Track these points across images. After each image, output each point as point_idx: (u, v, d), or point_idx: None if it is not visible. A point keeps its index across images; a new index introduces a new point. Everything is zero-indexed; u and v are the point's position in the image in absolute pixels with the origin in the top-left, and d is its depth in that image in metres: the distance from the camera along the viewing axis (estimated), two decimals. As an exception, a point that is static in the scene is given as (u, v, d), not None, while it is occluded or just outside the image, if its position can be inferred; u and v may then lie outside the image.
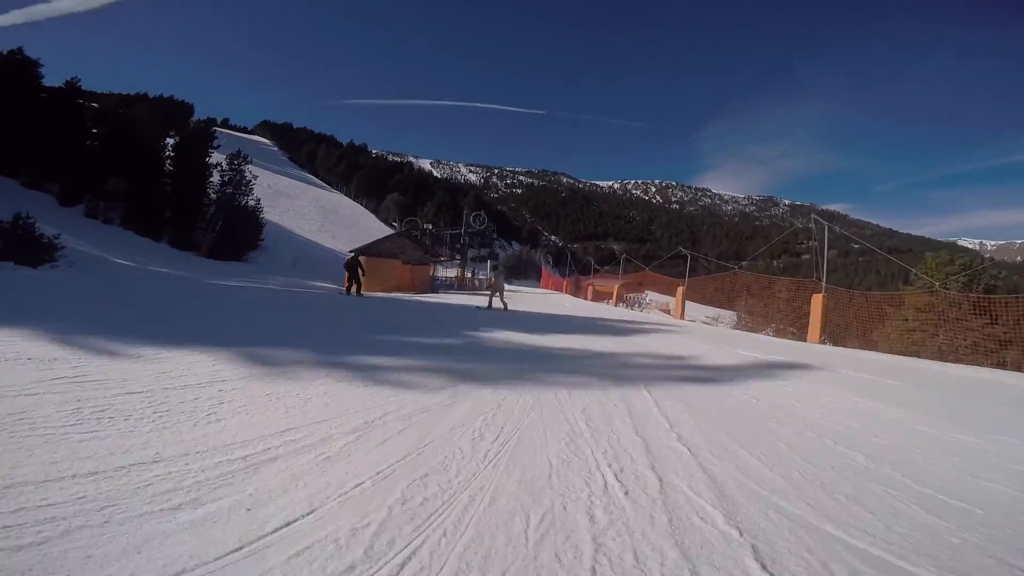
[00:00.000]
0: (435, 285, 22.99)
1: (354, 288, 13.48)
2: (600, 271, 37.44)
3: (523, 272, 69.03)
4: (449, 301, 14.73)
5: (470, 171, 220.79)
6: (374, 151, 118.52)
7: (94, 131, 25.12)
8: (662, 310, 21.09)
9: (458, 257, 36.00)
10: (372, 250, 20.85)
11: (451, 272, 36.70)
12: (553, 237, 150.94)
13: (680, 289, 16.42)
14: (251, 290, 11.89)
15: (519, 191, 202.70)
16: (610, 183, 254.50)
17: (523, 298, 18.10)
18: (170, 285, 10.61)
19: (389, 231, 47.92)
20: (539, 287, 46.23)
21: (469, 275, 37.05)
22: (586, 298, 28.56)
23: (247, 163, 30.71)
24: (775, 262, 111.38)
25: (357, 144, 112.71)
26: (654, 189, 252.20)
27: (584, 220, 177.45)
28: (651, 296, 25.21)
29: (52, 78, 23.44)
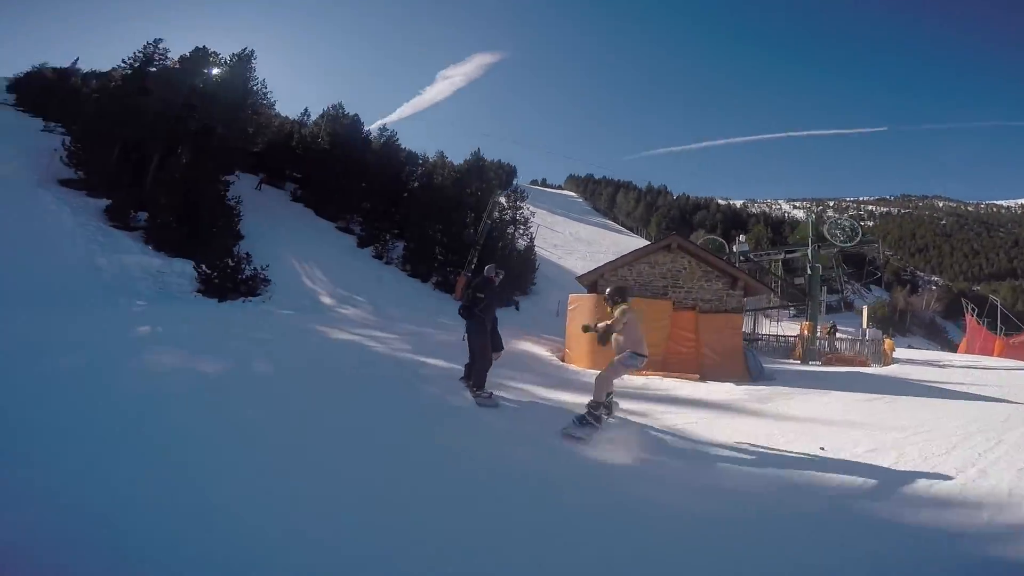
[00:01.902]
0: (754, 360, 9.87)
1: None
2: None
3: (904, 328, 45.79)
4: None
5: (793, 206, 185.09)
6: (675, 193, 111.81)
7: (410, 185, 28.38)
8: None
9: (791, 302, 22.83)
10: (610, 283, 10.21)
11: (787, 327, 22.58)
12: (935, 278, 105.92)
13: None
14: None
15: (869, 222, 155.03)
16: (1020, 201, 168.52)
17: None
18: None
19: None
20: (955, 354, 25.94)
21: (822, 331, 18.84)
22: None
23: (523, 199, 29.52)
24: None
25: (655, 186, 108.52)
26: None
27: (987, 252, 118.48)
28: None
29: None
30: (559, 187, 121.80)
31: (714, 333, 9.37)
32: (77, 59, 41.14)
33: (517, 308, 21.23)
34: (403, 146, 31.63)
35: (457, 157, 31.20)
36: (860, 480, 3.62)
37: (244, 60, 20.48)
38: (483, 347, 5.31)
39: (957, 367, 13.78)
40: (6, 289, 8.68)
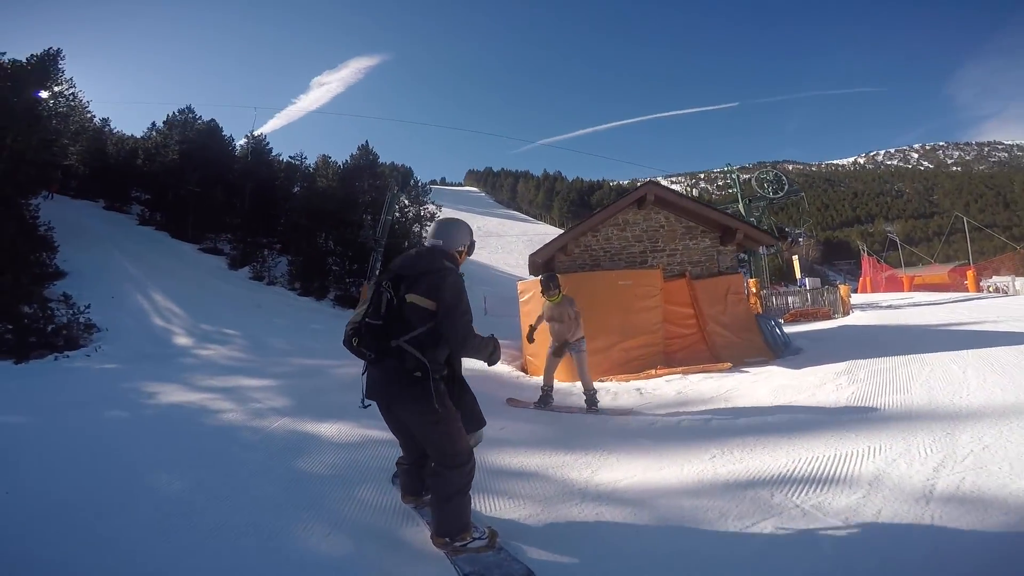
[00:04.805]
0: (771, 329, 7.57)
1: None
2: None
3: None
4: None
5: (671, 182, 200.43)
6: (569, 178, 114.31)
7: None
8: None
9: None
10: (573, 256, 7.79)
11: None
12: (798, 230, 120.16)
13: None
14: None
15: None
16: (851, 159, 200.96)
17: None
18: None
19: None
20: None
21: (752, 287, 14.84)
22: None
23: (424, 195, 26.67)
24: None
25: (551, 173, 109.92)
26: (916, 156, 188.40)
27: (834, 205, 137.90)
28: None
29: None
30: (460, 184, 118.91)
31: (716, 303, 7.12)
32: None
33: None
34: (277, 155, 26.64)
35: (343, 160, 26.98)
36: None
37: (46, 60, 15.13)
38: (461, 442, 2.21)
39: (917, 305, 13.88)
40: None
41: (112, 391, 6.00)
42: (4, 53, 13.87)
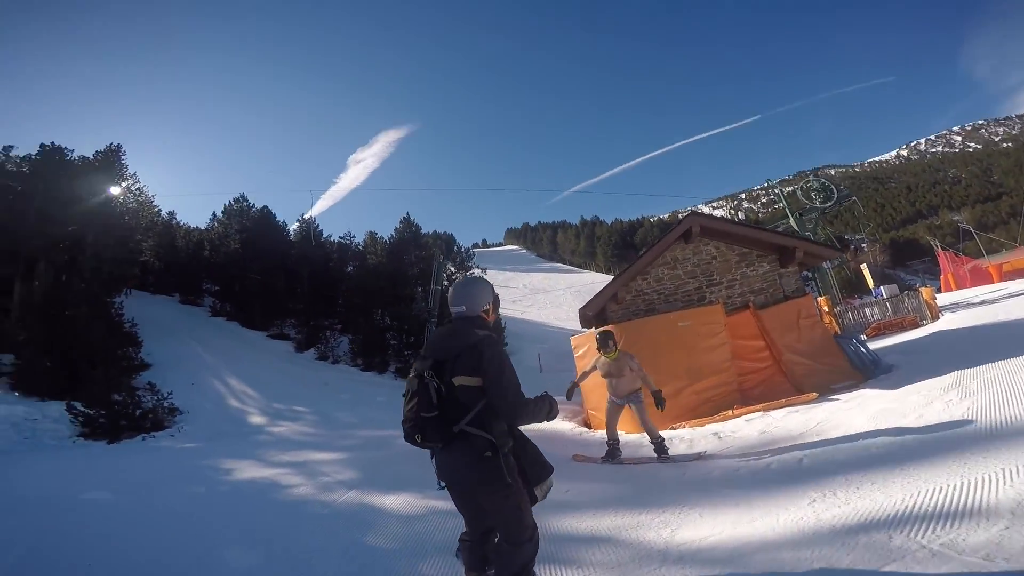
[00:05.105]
0: (856, 348, 6.89)
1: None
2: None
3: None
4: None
5: (714, 208, 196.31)
6: (608, 221, 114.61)
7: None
8: None
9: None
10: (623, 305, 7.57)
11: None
12: (858, 236, 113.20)
13: None
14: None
15: (782, 203, 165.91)
16: (894, 152, 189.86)
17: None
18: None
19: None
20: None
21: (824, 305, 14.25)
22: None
23: (469, 259, 27.43)
24: None
25: (588, 219, 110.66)
26: (960, 138, 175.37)
27: (890, 203, 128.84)
28: None
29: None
30: (500, 244, 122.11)
31: (789, 331, 6.62)
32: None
33: None
34: (328, 236, 28.64)
35: (388, 234, 28.65)
36: None
37: (110, 155, 17.18)
38: (528, 516, 2.14)
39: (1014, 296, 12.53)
40: None
41: (192, 468, 6.41)
42: (72, 150, 15.60)
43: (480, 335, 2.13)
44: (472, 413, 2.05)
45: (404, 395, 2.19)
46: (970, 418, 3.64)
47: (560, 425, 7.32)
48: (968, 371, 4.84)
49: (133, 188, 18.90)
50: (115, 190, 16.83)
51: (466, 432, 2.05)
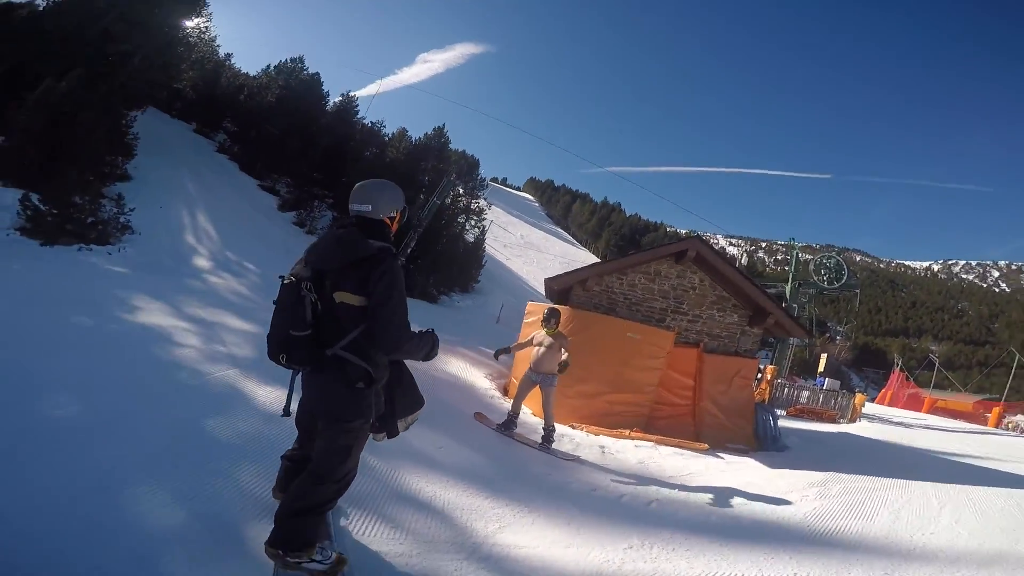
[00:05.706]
0: (765, 422, 7.39)
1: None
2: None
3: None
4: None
5: (730, 243, 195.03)
6: (628, 212, 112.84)
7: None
8: None
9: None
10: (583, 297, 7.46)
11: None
12: (840, 328, 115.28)
13: None
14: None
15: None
16: (926, 264, 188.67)
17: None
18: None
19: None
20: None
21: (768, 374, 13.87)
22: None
23: (482, 189, 27.03)
24: None
25: (611, 202, 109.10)
26: (997, 273, 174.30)
27: (888, 310, 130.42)
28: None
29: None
30: (518, 188, 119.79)
31: (720, 383, 6.92)
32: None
33: None
34: (361, 117, 27.69)
35: (417, 136, 27.72)
36: None
37: None
38: (351, 461, 1.95)
39: (928, 428, 13.40)
40: None
41: (98, 295, 6.06)
42: None
43: (376, 247, 1.82)
44: (350, 336, 1.81)
45: (274, 303, 1.88)
46: (811, 518, 4.00)
47: (480, 381, 7.51)
48: (842, 475, 5.26)
49: (202, 26, 18.02)
50: (188, 23, 16.19)
51: (340, 357, 1.82)
